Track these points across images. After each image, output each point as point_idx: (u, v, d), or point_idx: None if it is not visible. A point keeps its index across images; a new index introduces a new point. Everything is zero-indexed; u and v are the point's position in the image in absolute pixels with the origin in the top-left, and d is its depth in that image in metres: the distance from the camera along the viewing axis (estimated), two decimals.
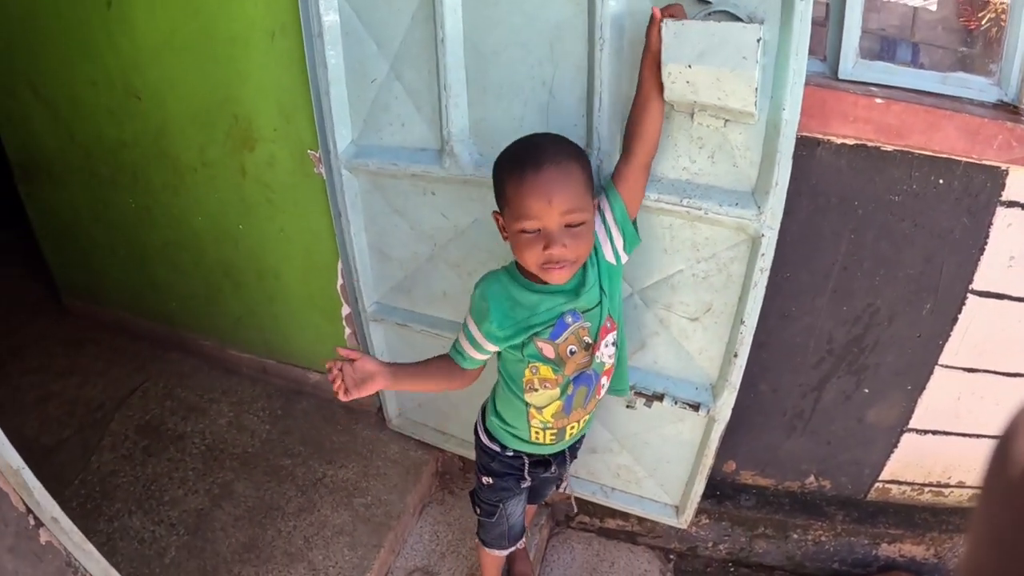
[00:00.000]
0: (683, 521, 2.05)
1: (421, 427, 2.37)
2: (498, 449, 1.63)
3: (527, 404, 1.49)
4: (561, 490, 1.84)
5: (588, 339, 1.43)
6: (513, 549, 1.82)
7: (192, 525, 2.12)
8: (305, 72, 1.89)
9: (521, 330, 1.39)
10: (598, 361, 1.46)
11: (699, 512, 2.14)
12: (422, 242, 1.96)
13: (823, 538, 2.25)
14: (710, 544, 2.31)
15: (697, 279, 1.66)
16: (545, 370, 1.43)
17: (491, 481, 1.69)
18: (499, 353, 1.50)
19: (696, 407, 1.78)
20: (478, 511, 1.77)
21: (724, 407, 1.77)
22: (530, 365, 1.43)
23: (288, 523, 2.13)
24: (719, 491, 2.24)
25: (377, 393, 2.33)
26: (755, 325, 1.63)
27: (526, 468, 1.65)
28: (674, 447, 1.94)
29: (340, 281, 2.25)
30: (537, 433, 1.55)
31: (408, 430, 2.40)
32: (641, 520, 2.26)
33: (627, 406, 1.85)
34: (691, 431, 1.88)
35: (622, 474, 2.07)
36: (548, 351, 1.41)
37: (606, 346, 1.46)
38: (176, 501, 2.20)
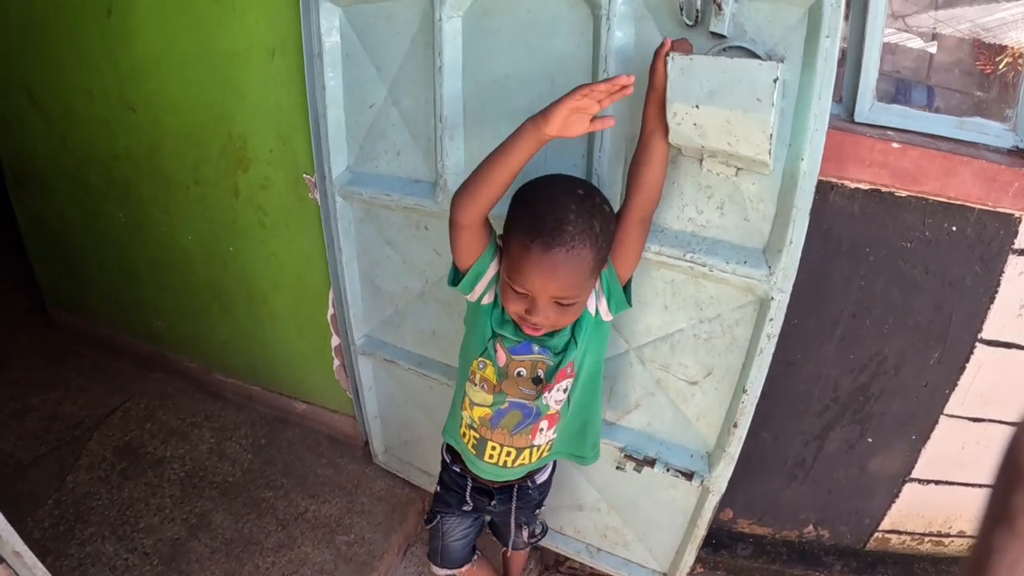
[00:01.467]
0: None
1: (407, 466, 2.30)
2: (449, 460, 1.66)
3: (465, 393, 1.48)
4: (524, 539, 1.77)
5: (541, 374, 1.39)
6: (448, 574, 1.82)
7: (167, 555, 2.04)
8: (303, 93, 1.84)
9: (499, 314, 1.37)
10: (543, 402, 1.41)
11: (694, 561, 2.07)
12: (414, 277, 1.89)
13: None
14: None
15: (699, 340, 1.56)
16: (490, 371, 1.41)
17: (439, 490, 1.72)
18: (467, 324, 1.49)
19: (689, 476, 1.68)
20: (425, 516, 1.82)
21: (719, 478, 1.67)
22: (480, 358, 1.41)
23: (267, 559, 2.05)
24: (715, 539, 2.17)
25: (364, 427, 2.28)
26: (759, 395, 1.53)
27: (468, 491, 1.64)
28: (665, 513, 1.84)
29: (331, 311, 2.18)
30: (464, 430, 1.52)
31: (394, 468, 2.33)
32: None
33: (617, 467, 1.76)
34: (684, 499, 1.78)
35: (609, 535, 1.99)
36: (501, 359, 1.39)
37: (557, 391, 1.41)
38: (152, 528, 2.13)
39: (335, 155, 1.84)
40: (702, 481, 1.69)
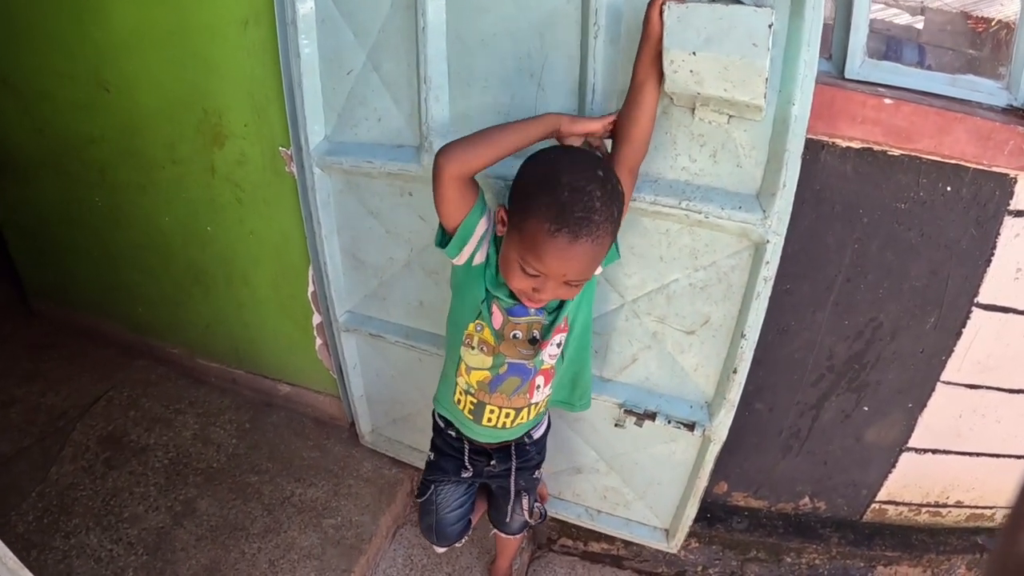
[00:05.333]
0: (674, 545, 1.95)
1: (396, 444, 2.25)
2: (443, 425, 1.62)
3: (460, 358, 1.46)
4: (525, 513, 1.73)
5: (537, 334, 1.40)
6: (443, 551, 1.83)
7: (152, 544, 1.99)
8: (278, 63, 1.79)
9: (493, 275, 1.35)
10: (539, 358, 1.41)
11: (688, 535, 2.04)
12: (399, 246, 1.84)
13: (817, 561, 2.17)
14: (699, 568, 2.21)
15: (695, 289, 1.55)
16: (487, 333, 1.40)
17: (432, 457, 1.69)
18: (455, 288, 1.46)
19: (691, 426, 1.67)
20: (416, 491, 1.77)
21: (721, 427, 1.66)
22: (477, 321, 1.39)
23: (253, 545, 2.00)
24: (710, 513, 2.15)
25: (350, 407, 2.23)
26: (756, 339, 1.53)
27: (466, 455, 1.61)
28: (666, 468, 1.84)
29: (311, 288, 2.13)
30: (460, 396, 1.50)
31: (382, 447, 2.28)
32: (627, 544, 2.16)
33: (616, 424, 1.74)
34: (684, 452, 1.78)
35: (609, 496, 1.97)
36: (497, 321, 1.38)
37: (552, 346, 1.42)
38: (136, 518, 2.08)
39: (312, 125, 1.79)
40: (704, 431, 1.68)
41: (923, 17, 1.94)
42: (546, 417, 1.67)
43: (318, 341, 2.25)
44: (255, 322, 2.39)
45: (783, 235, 1.39)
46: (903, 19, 1.95)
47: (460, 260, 1.37)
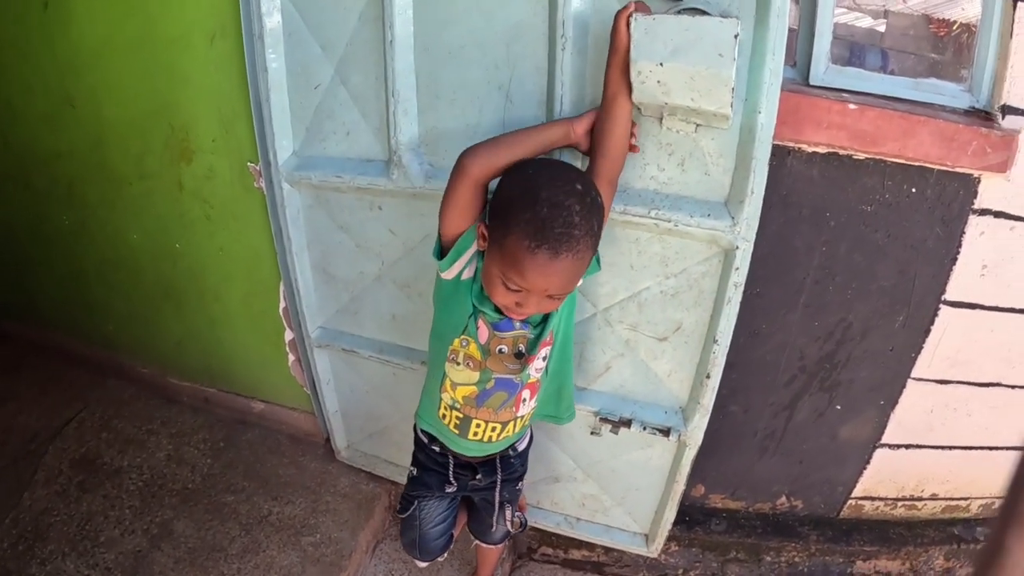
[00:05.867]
0: (654, 550, 1.96)
1: (372, 459, 2.24)
2: (426, 440, 1.61)
3: (445, 374, 1.44)
4: (508, 524, 1.73)
5: (523, 348, 1.39)
6: (425, 565, 1.81)
7: (129, 568, 1.96)
8: (245, 77, 1.78)
9: (479, 289, 1.33)
10: (526, 373, 1.40)
11: (668, 539, 2.05)
12: (369, 261, 1.83)
13: (797, 559, 2.19)
14: (680, 571, 2.22)
15: (666, 296, 1.56)
16: (474, 348, 1.39)
17: (415, 473, 1.66)
18: (440, 303, 1.45)
19: (666, 432, 1.68)
20: (398, 507, 1.74)
21: (696, 431, 1.67)
22: (463, 336, 1.38)
23: (232, 565, 1.97)
24: (688, 516, 2.16)
25: (325, 423, 2.22)
26: (728, 344, 1.54)
27: (451, 470, 1.60)
28: (643, 474, 1.84)
29: (283, 304, 2.11)
30: (445, 412, 1.49)
31: (359, 462, 2.26)
32: (608, 550, 2.16)
33: (592, 432, 1.74)
34: (661, 457, 1.79)
35: (588, 503, 1.97)
36: (483, 335, 1.37)
37: (539, 360, 1.41)
38: (112, 542, 2.04)
39: (280, 140, 1.78)
40: (679, 436, 1.69)
41: (886, 21, 1.97)
42: (529, 429, 1.67)
43: (291, 357, 2.23)
44: (227, 339, 2.37)
45: (752, 241, 1.41)
46: (866, 22, 1.97)
47: (450, 274, 1.37)
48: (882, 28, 1.98)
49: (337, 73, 1.67)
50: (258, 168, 1.90)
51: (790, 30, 1.63)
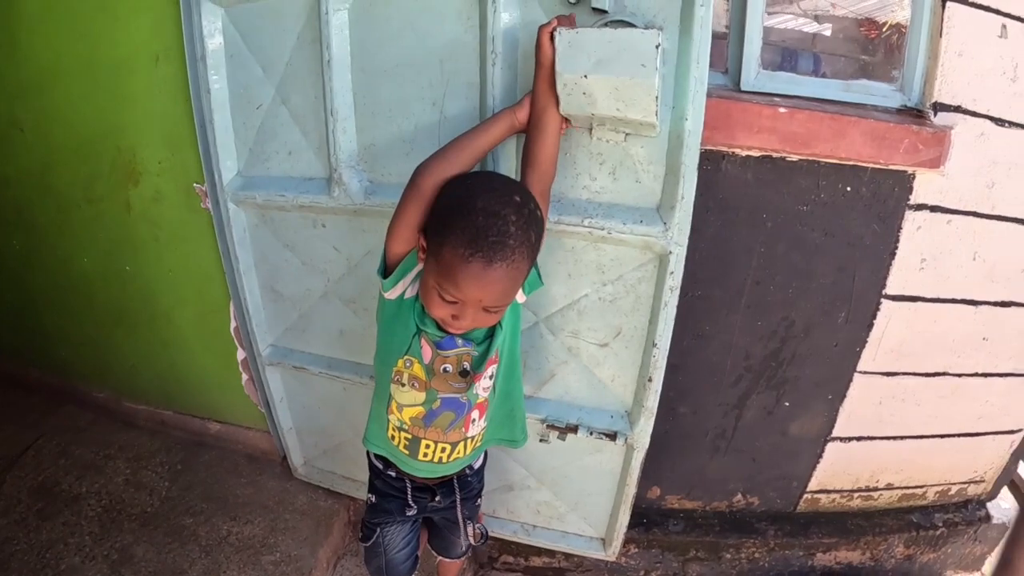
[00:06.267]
0: (611, 553, 1.97)
1: (329, 475, 2.23)
2: (381, 466, 1.59)
3: (391, 396, 1.43)
4: (470, 539, 1.72)
5: (468, 366, 1.37)
6: None
7: None
8: (189, 99, 1.79)
9: (421, 308, 1.33)
10: (473, 392, 1.39)
11: (627, 542, 2.07)
12: (315, 278, 1.84)
13: (757, 555, 2.22)
14: (641, 573, 2.24)
15: (604, 303, 1.58)
16: (418, 368, 1.37)
17: (374, 500, 1.64)
18: (383, 324, 1.43)
19: (612, 436, 1.70)
20: (360, 535, 1.71)
21: (642, 434, 1.69)
22: (406, 357, 1.37)
23: None
24: (646, 518, 2.17)
25: (280, 441, 2.22)
26: (668, 347, 1.56)
27: (409, 493, 1.58)
28: (595, 479, 1.86)
29: (234, 323, 2.11)
30: (393, 433, 1.47)
31: (316, 479, 2.26)
32: (568, 556, 2.17)
33: (541, 440, 1.76)
34: (610, 461, 1.80)
35: (543, 511, 1.98)
36: (427, 355, 1.35)
37: (485, 378, 1.39)
38: (73, 569, 2.01)
39: (224, 161, 1.79)
40: (626, 439, 1.71)
41: (817, 24, 2.01)
42: (484, 451, 1.66)
43: (244, 377, 2.22)
44: (180, 361, 2.35)
45: (685, 245, 1.43)
46: (798, 23, 2.01)
47: (393, 294, 1.37)
48: (815, 32, 2.02)
49: (278, 93, 1.69)
50: (204, 189, 1.90)
51: (721, 38, 1.69)
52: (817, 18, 2.02)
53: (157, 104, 1.87)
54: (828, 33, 2.02)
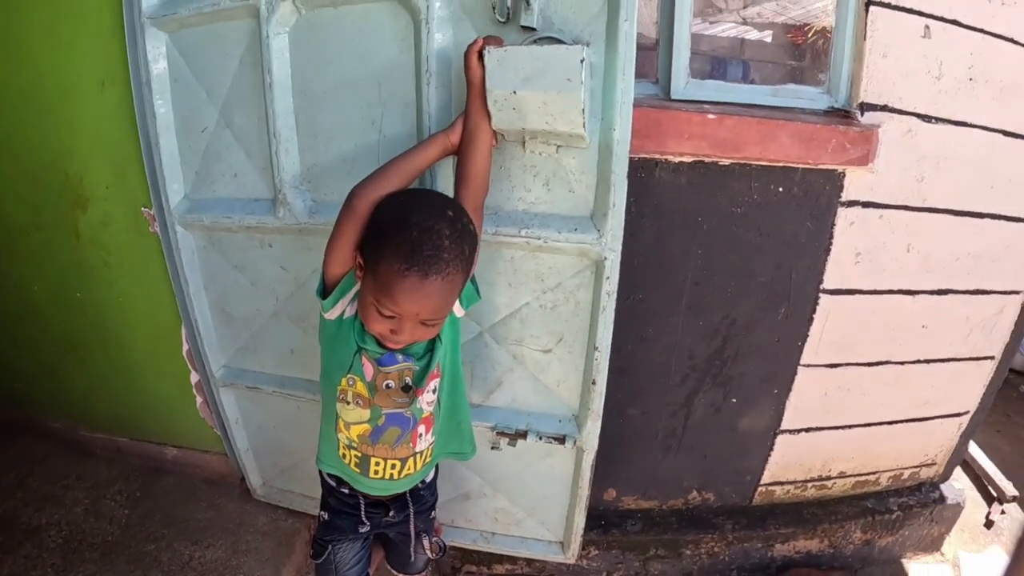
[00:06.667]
0: (570, 556, 1.99)
1: (288, 494, 2.23)
2: (334, 484, 1.59)
3: (337, 415, 1.44)
4: (428, 552, 1.72)
5: (410, 381, 1.38)
6: None
7: None
8: (135, 124, 1.79)
9: (360, 327, 1.34)
10: (417, 406, 1.41)
11: (587, 544, 2.10)
12: (264, 298, 1.85)
13: (716, 549, 2.26)
14: (604, 574, 2.26)
15: (545, 310, 1.62)
16: (361, 386, 1.38)
17: (326, 517, 1.64)
18: (325, 344, 1.45)
19: (561, 440, 1.73)
20: (311, 552, 1.71)
21: (590, 436, 1.72)
22: (349, 375, 1.38)
23: None
24: (604, 520, 2.20)
25: (238, 463, 2.22)
26: (609, 350, 1.60)
27: (363, 510, 1.58)
28: (548, 483, 1.88)
29: (186, 346, 2.11)
30: (344, 451, 1.48)
31: (275, 499, 2.26)
32: (530, 561, 2.19)
33: (492, 447, 1.78)
34: (562, 465, 1.83)
35: (500, 517, 2.00)
36: (368, 372, 1.37)
37: (428, 392, 1.41)
38: None
39: (171, 184, 1.81)
40: (575, 442, 1.74)
41: (745, 34, 2.08)
42: (435, 465, 1.67)
43: (199, 399, 2.21)
44: (134, 387, 2.33)
45: (619, 251, 1.47)
46: (726, 30, 2.07)
47: (333, 314, 1.38)
48: (744, 40, 2.08)
49: (222, 116, 1.71)
50: (152, 213, 1.90)
51: (651, 50, 1.74)
52: (745, 22, 2.09)
53: (104, 129, 1.88)
54: (757, 40, 2.09)
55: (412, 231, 1.17)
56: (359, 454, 1.45)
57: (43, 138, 1.97)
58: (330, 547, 1.64)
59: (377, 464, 1.46)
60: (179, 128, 1.77)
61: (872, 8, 1.64)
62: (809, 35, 2.01)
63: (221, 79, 1.67)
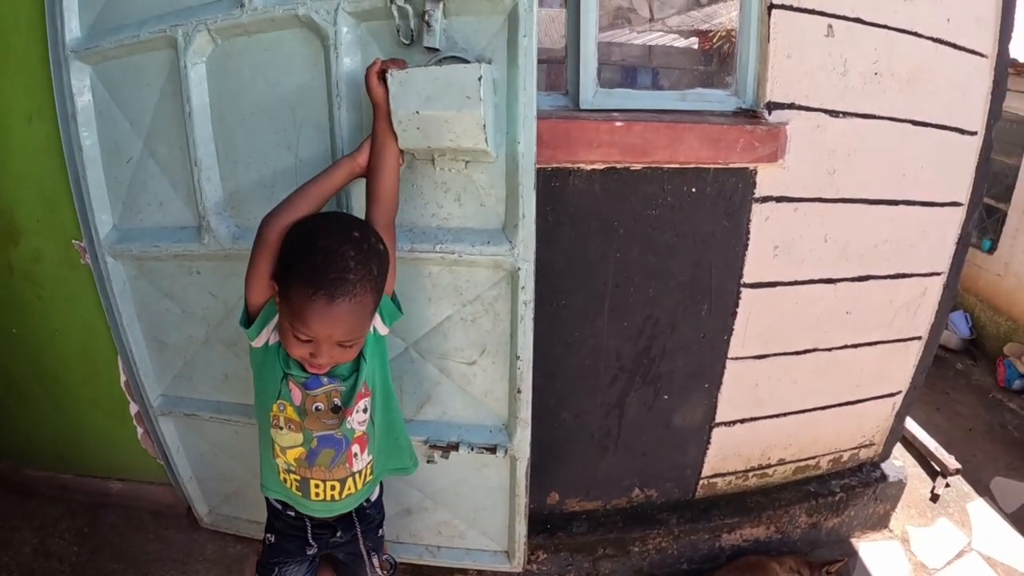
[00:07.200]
0: (516, 564, 2.02)
1: (235, 520, 2.23)
2: (280, 507, 1.59)
3: (272, 440, 1.45)
4: (378, 570, 1.72)
5: (338, 401, 1.40)
6: None
7: None
8: (63, 156, 1.81)
9: (285, 353, 1.35)
10: (348, 427, 1.42)
11: (535, 548, 2.13)
12: (195, 325, 1.87)
13: (663, 544, 2.30)
14: None
15: (466, 323, 1.66)
16: (291, 411, 1.40)
17: (272, 540, 1.63)
18: (255, 372, 1.47)
19: (493, 450, 1.76)
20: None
21: (521, 444, 1.76)
22: (279, 401, 1.39)
23: None
24: (549, 524, 2.22)
25: (183, 492, 2.21)
26: (531, 358, 1.64)
27: (309, 532, 1.58)
28: (485, 493, 1.91)
29: (123, 377, 2.11)
30: (284, 475, 1.49)
31: (222, 526, 2.26)
32: (480, 572, 2.19)
33: (428, 461, 1.80)
34: (498, 474, 1.86)
35: (443, 530, 2.02)
36: (297, 397, 1.38)
37: (358, 412, 1.43)
38: None
39: (99, 215, 1.82)
40: (506, 451, 1.77)
41: (651, 42, 2.14)
42: (378, 483, 1.67)
43: (139, 430, 2.21)
44: (74, 422, 2.32)
45: (532, 260, 1.52)
46: (631, 38, 2.13)
47: (259, 343, 1.40)
48: (651, 48, 2.15)
49: (146, 146, 1.73)
50: (83, 245, 1.91)
51: (560, 62, 1.79)
52: (653, 30, 2.15)
53: (32, 163, 1.89)
54: (666, 47, 2.15)
55: (317, 256, 1.20)
56: (298, 477, 1.46)
57: None
58: (276, 570, 1.63)
59: (317, 486, 1.47)
60: (105, 159, 1.79)
61: (775, 11, 1.71)
62: (715, 40, 2.08)
63: (144, 109, 1.69)
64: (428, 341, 1.70)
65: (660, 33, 2.16)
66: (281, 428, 1.41)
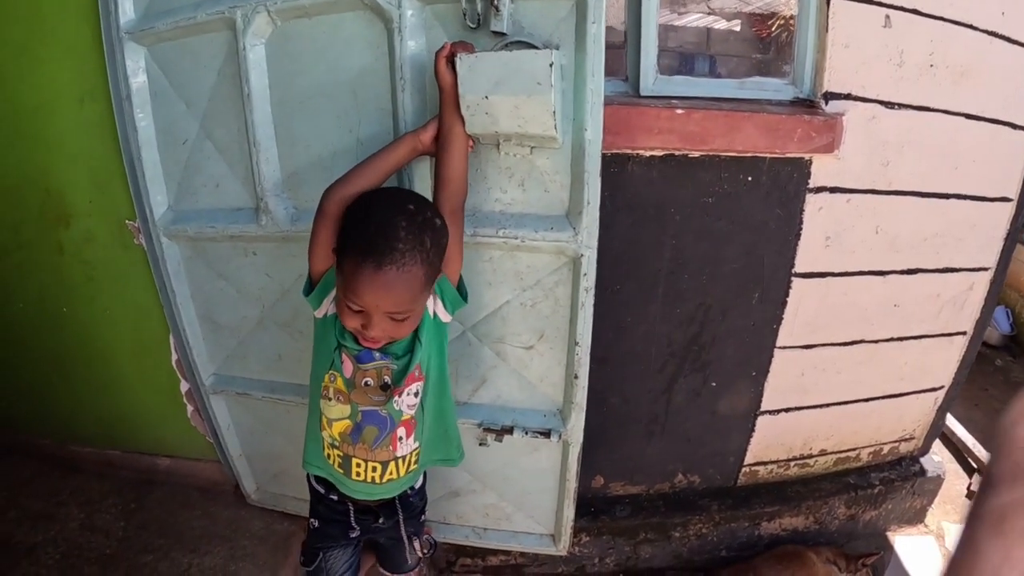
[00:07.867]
0: (561, 548, 2.03)
1: (282, 498, 2.25)
2: (322, 490, 1.60)
3: (321, 412, 1.46)
4: (418, 552, 1.74)
5: (388, 379, 1.41)
6: None
7: None
8: (116, 138, 1.81)
9: (341, 324, 1.35)
10: (395, 407, 1.42)
11: (578, 531, 2.14)
12: (250, 306, 1.88)
13: (704, 530, 2.31)
14: (596, 560, 2.32)
15: (525, 308, 1.66)
16: (340, 382, 1.41)
17: (316, 524, 1.65)
18: (315, 342, 1.49)
19: (547, 434, 1.76)
20: (302, 560, 1.71)
21: (575, 429, 1.76)
22: (330, 372, 1.41)
23: None
24: (593, 507, 2.25)
25: (231, 469, 2.24)
26: (590, 344, 1.63)
27: (352, 516, 1.60)
28: (535, 477, 1.92)
29: (175, 356, 2.13)
30: (328, 451, 1.50)
31: (269, 503, 2.28)
32: (523, 554, 2.23)
33: (480, 444, 1.82)
34: (549, 459, 1.86)
35: (491, 513, 2.03)
36: (347, 369, 1.40)
37: (408, 395, 1.43)
38: None
39: (155, 196, 1.83)
40: (560, 436, 1.77)
41: (711, 29, 2.12)
42: (422, 472, 1.67)
43: (189, 408, 2.23)
44: (123, 399, 2.34)
45: (595, 247, 1.51)
46: (692, 21, 2.12)
47: (320, 312, 1.42)
48: (709, 34, 2.13)
49: (202, 128, 1.73)
50: (136, 225, 1.92)
51: (620, 48, 1.78)
52: (711, 13, 2.13)
53: (83, 145, 1.89)
54: (723, 35, 2.13)
55: (370, 226, 1.22)
56: (341, 454, 1.47)
57: (20, 157, 1.97)
58: (321, 554, 1.65)
59: (359, 465, 1.47)
60: (160, 140, 1.79)
61: (833, 0, 1.69)
62: (773, 27, 2.06)
63: (200, 91, 1.69)
64: (486, 325, 1.70)
65: (715, 18, 2.13)
66: (330, 399, 1.43)
